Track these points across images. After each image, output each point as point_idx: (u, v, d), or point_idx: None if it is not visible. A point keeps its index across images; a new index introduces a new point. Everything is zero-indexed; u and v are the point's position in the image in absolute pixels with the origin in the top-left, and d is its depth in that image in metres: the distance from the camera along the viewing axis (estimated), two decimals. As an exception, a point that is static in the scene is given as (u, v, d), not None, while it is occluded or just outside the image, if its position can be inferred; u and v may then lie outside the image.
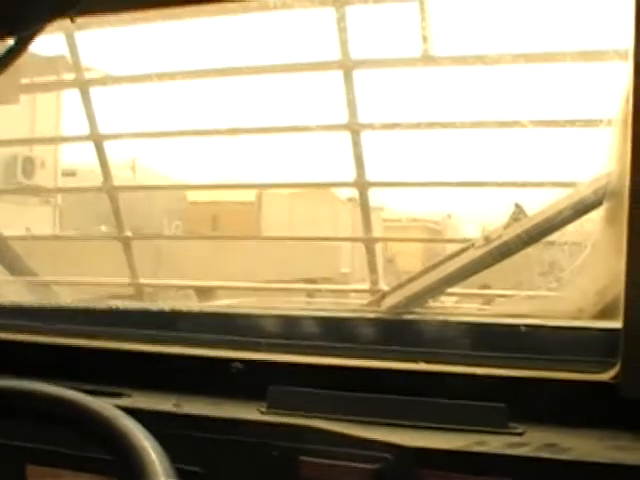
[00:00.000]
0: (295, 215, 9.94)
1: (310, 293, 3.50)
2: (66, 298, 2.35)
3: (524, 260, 1.71)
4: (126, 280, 2.19)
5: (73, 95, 2.21)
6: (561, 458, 1.23)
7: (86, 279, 2.53)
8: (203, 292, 3.89)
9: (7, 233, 2.51)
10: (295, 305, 2.03)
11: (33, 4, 0.97)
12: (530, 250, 1.66)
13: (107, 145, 2.11)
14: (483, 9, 1.89)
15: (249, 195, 9.19)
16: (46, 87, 2.66)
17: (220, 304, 2.37)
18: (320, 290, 3.55)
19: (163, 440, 1.02)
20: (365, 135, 1.86)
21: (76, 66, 1.99)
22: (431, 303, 1.81)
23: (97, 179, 2.24)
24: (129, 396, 1.56)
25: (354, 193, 1.98)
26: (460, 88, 2.02)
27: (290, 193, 9.93)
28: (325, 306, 1.89)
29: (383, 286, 1.89)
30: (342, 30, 1.72)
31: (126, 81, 2.05)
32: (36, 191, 7.46)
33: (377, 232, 2.16)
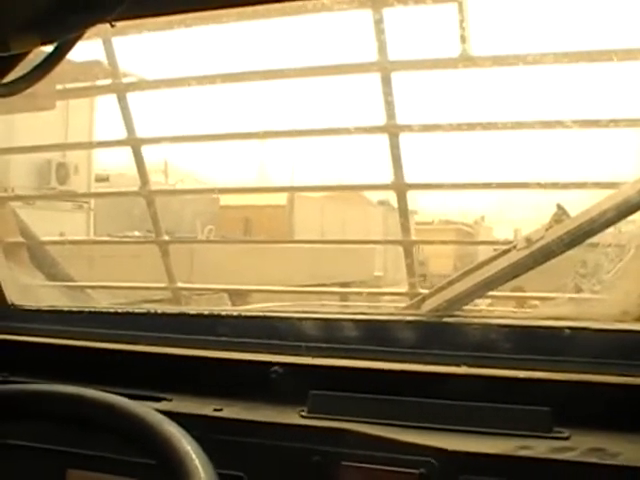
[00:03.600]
0: (327, 218, 9.94)
1: (343, 297, 3.49)
2: (102, 302, 2.35)
3: (563, 262, 1.69)
4: (163, 284, 2.19)
5: (106, 100, 2.22)
6: (610, 463, 1.21)
7: (123, 284, 2.54)
8: (237, 296, 3.90)
9: (44, 238, 2.52)
10: (331, 309, 2.01)
11: (75, 9, 0.96)
12: (571, 252, 1.64)
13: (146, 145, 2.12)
14: (523, 8, 1.87)
15: (281, 198, 9.21)
16: (83, 92, 2.67)
17: (257, 307, 2.36)
18: (353, 293, 3.54)
19: (204, 444, 1.02)
20: (404, 138, 1.85)
21: (114, 71, 2.00)
22: (465, 306, 1.80)
23: (129, 184, 2.24)
24: (169, 400, 1.56)
25: (386, 196, 1.97)
26: (500, 89, 2.00)
27: (321, 196, 9.95)
28: (360, 309, 1.87)
29: (421, 290, 1.87)
30: (380, 32, 1.71)
31: (164, 85, 2.05)
32: (71, 196, 7.52)
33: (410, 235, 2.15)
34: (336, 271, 6.65)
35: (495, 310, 2.06)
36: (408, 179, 1.89)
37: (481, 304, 2.20)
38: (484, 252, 2.16)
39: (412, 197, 1.90)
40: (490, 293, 1.86)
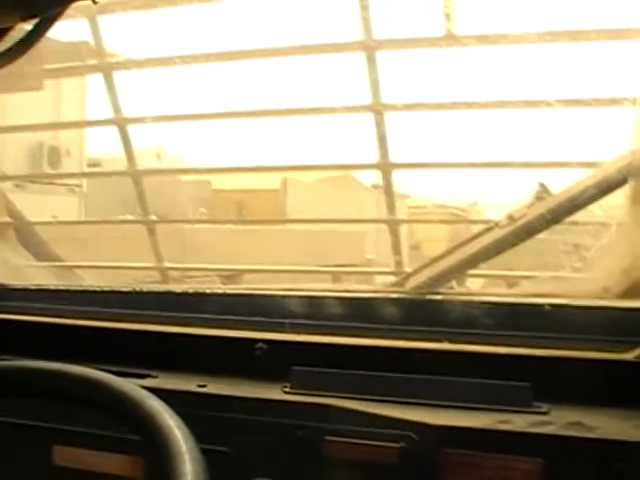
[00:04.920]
0: (320, 203, 9.92)
1: (336, 277, 3.51)
2: (91, 283, 2.36)
3: (549, 241, 1.71)
4: (150, 264, 2.20)
5: (97, 84, 2.22)
6: (587, 436, 1.23)
7: (111, 264, 2.54)
8: (228, 278, 3.90)
9: (33, 219, 2.53)
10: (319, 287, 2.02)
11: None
12: (556, 232, 1.66)
13: (132, 133, 2.12)
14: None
15: (274, 183, 9.18)
16: (68, 72, 2.67)
17: (245, 285, 2.37)
18: (346, 274, 3.55)
19: (188, 420, 1.03)
20: (389, 119, 1.86)
21: (99, 50, 2.00)
22: (456, 286, 1.81)
23: (121, 168, 2.25)
24: (155, 377, 1.57)
25: (379, 179, 1.98)
26: (484, 67, 2.01)
27: (315, 180, 9.92)
28: (349, 288, 1.88)
29: (407, 269, 1.88)
30: (364, 10, 1.71)
31: (149, 64, 2.05)
32: (60, 177, 7.49)
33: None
34: (328, 254, 6.64)
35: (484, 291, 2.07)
36: (398, 160, 1.90)
37: (473, 285, 2.21)
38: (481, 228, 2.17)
39: (405, 181, 1.91)
40: (481, 272, 1.88)
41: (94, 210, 7.57)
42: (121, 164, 2.26)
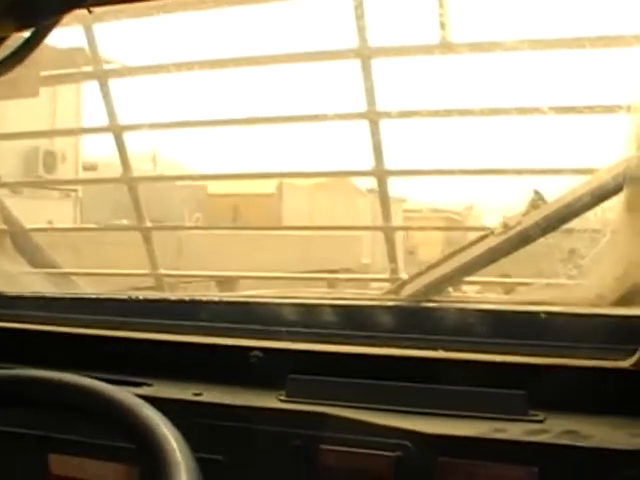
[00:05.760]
0: (316, 207, 9.93)
1: (331, 283, 3.50)
2: (87, 290, 2.36)
3: (543, 250, 1.71)
4: (146, 271, 2.20)
5: (93, 89, 2.22)
6: (583, 445, 1.23)
7: (106, 271, 2.55)
8: (224, 284, 3.90)
9: (29, 226, 2.52)
10: (315, 294, 2.02)
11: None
12: (551, 238, 1.66)
13: (127, 137, 2.12)
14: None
15: (269, 187, 9.20)
16: (64, 79, 2.67)
17: (240, 294, 2.37)
18: (341, 280, 3.55)
19: (184, 429, 1.03)
20: (385, 125, 1.86)
21: (94, 58, 2.00)
22: (453, 292, 1.82)
23: (117, 172, 2.25)
24: (150, 385, 1.57)
25: (374, 184, 1.98)
26: (479, 75, 2.01)
27: (310, 185, 9.93)
28: (345, 296, 1.89)
29: (403, 275, 1.89)
30: (359, 18, 1.72)
31: (143, 72, 2.06)
32: (55, 183, 7.49)
33: (398, 223, 2.16)
34: (324, 259, 6.65)
35: (480, 297, 2.08)
36: (394, 166, 1.90)
37: (469, 291, 2.22)
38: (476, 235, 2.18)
39: (402, 186, 1.91)
40: (478, 279, 1.88)
41: (89, 214, 7.57)
42: (117, 167, 2.26)
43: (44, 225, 3.70)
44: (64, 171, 7.79)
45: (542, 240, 1.66)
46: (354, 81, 1.82)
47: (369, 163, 1.93)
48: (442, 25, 1.70)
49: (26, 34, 1.07)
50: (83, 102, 6.18)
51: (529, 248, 1.67)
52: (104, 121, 2.15)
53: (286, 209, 9.70)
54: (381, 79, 1.82)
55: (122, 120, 2.12)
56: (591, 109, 1.63)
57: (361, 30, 1.74)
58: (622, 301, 1.51)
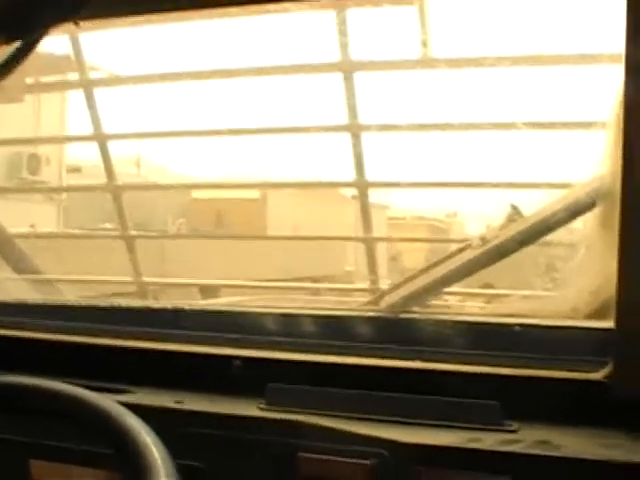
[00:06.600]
0: (300, 211, 9.91)
1: (315, 291, 3.52)
2: (70, 296, 2.37)
3: (526, 260, 1.74)
4: (129, 278, 2.21)
5: (78, 94, 2.23)
6: (554, 455, 1.25)
7: (90, 277, 2.55)
8: (207, 290, 3.91)
9: (12, 231, 2.53)
10: (296, 304, 2.04)
11: (38, 9, 0.98)
12: (532, 250, 1.69)
13: (112, 142, 2.13)
14: (481, 12, 1.91)
15: (254, 192, 9.18)
16: (50, 87, 2.69)
17: (222, 302, 2.38)
18: (323, 289, 3.57)
19: (165, 436, 1.04)
20: (368, 136, 1.88)
21: (80, 67, 2.02)
22: (434, 302, 1.84)
23: (102, 175, 2.26)
24: (132, 393, 1.58)
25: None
26: (458, 90, 2.04)
27: (295, 190, 9.91)
28: (327, 304, 1.91)
29: (384, 285, 1.91)
30: (342, 33, 1.74)
31: (130, 82, 2.07)
32: (38, 190, 7.47)
33: (381, 230, 2.19)
34: (307, 266, 6.65)
35: (460, 306, 2.10)
36: (376, 177, 1.92)
37: (451, 300, 2.24)
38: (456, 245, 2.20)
39: (386, 193, 1.94)
40: (460, 290, 1.90)
41: (73, 218, 7.55)
42: (101, 170, 2.27)
43: (26, 229, 3.70)
44: (48, 174, 7.77)
45: (521, 253, 1.69)
46: (338, 94, 1.84)
47: (351, 173, 1.95)
48: (423, 42, 1.73)
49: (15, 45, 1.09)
50: (68, 106, 6.17)
51: (510, 259, 1.70)
52: (89, 126, 2.16)
53: (270, 214, 9.68)
54: (364, 93, 1.84)
55: (107, 125, 2.13)
56: (566, 125, 1.66)
57: (343, 46, 1.76)
58: (596, 314, 1.53)
